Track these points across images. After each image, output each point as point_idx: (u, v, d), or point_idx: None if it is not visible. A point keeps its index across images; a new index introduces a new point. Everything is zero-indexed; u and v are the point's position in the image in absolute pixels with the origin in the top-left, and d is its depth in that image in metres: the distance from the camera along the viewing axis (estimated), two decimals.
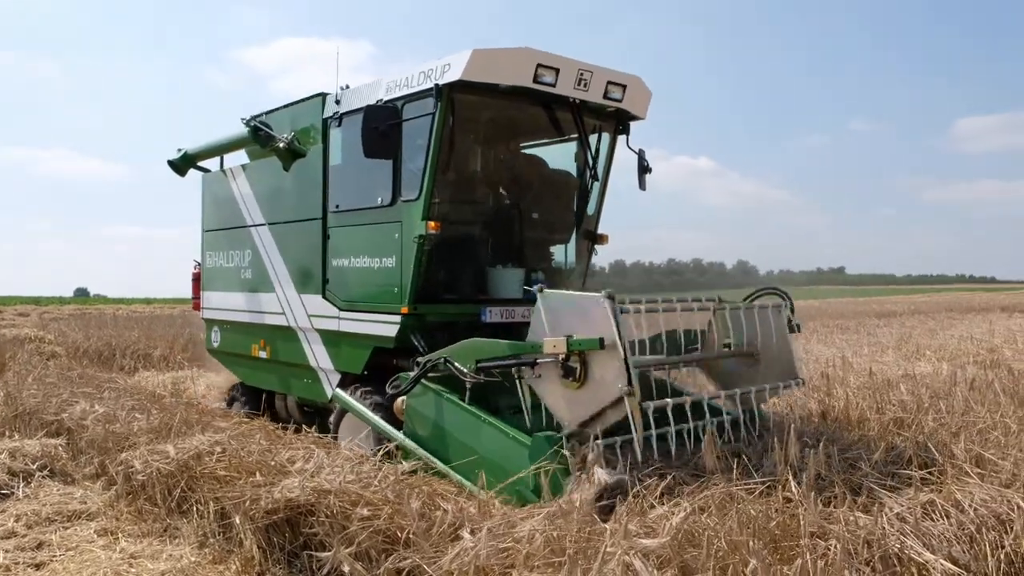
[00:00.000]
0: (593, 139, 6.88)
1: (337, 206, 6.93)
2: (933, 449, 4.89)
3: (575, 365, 4.49)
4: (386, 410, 5.90)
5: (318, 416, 7.57)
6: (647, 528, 3.16)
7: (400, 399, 5.62)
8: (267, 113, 7.74)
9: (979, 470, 4.60)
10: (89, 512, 5.41)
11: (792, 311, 5.90)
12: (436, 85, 5.80)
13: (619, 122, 6.94)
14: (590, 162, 6.90)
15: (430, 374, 5.42)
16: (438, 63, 5.90)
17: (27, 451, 6.06)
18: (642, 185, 7.13)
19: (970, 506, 3.83)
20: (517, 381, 4.92)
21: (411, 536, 3.79)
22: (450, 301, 6.49)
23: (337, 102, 6.89)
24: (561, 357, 4.51)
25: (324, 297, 7.03)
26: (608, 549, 2.98)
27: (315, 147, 7.20)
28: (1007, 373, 8.04)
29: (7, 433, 7.08)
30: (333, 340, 6.99)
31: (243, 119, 7.93)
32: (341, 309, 6.84)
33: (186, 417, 6.56)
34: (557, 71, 6.06)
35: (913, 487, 4.21)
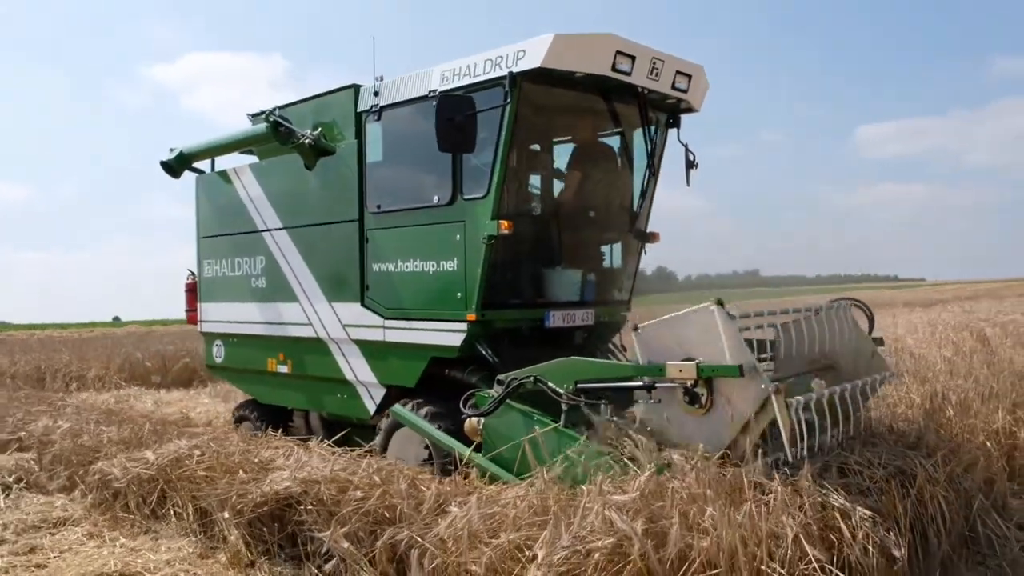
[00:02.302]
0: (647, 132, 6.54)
1: (379, 207, 6.41)
2: None
3: (700, 391, 4.14)
4: (455, 428, 5.44)
5: (342, 431, 6.91)
6: (618, 488, 3.67)
7: (477, 419, 5.15)
8: (282, 107, 7.12)
9: (892, 436, 5.28)
10: (73, 519, 5.64)
11: (872, 324, 5.59)
12: (510, 73, 5.40)
13: (672, 114, 6.61)
14: (647, 156, 6.57)
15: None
16: (508, 50, 5.49)
17: (2, 465, 6.20)
18: (688, 181, 6.80)
19: (879, 464, 4.47)
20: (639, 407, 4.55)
21: (402, 512, 4.20)
22: (514, 306, 6.14)
23: (376, 94, 6.38)
24: (690, 383, 4.15)
25: (363, 305, 6.54)
26: (586, 505, 3.49)
27: (347, 143, 6.69)
28: (909, 357, 8.90)
29: None
30: (377, 352, 6.51)
31: (250, 114, 7.52)
32: (386, 318, 6.37)
33: (154, 428, 6.80)
34: (633, 59, 5.71)
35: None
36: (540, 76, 5.47)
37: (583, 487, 3.80)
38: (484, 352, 5.76)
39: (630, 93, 6.10)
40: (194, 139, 8.24)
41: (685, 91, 6.25)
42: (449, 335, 5.86)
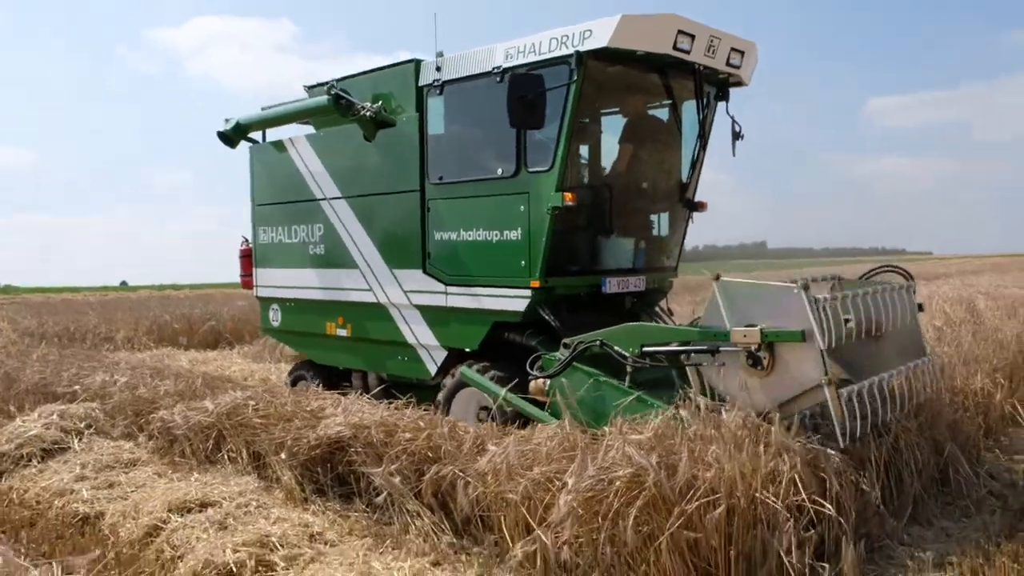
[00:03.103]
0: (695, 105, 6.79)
1: (441, 178, 6.72)
2: None
3: (763, 355, 4.46)
4: (518, 389, 5.75)
5: (396, 392, 7.01)
6: (634, 430, 4.29)
7: (542, 380, 5.47)
8: (339, 80, 7.38)
9: None
10: (141, 460, 6.28)
11: (914, 291, 5.71)
12: (577, 52, 5.68)
13: (720, 87, 6.87)
14: (699, 128, 6.84)
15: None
16: (573, 29, 5.76)
17: (72, 413, 6.90)
18: (734, 151, 7.00)
19: None
20: (690, 368, 4.88)
21: (446, 451, 4.83)
22: (574, 273, 6.47)
23: (438, 69, 6.65)
24: (754, 347, 4.47)
25: (425, 272, 6.90)
26: (608, 443, 4.10)
27: (407, 116, 6.97)
28: None
29: (23, 406, 7.73)
30: (439, 317, 6.88)
31: (307, 86, 7.85)
32: (448, 284, 6.73)
33: (206, 382, 7.45)
34: (693, 37, 6.00)
35: None
36: (604, 54, 5.76)
37: (606, 428, 4.41)
38: (547, 317, 6.12)
39: (685, 68, 6.36)
40: (246, 110, 8.38)
41: (738, 67, 6.59)
42: (513, 300, 6.23)
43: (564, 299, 6.35)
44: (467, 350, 6.71)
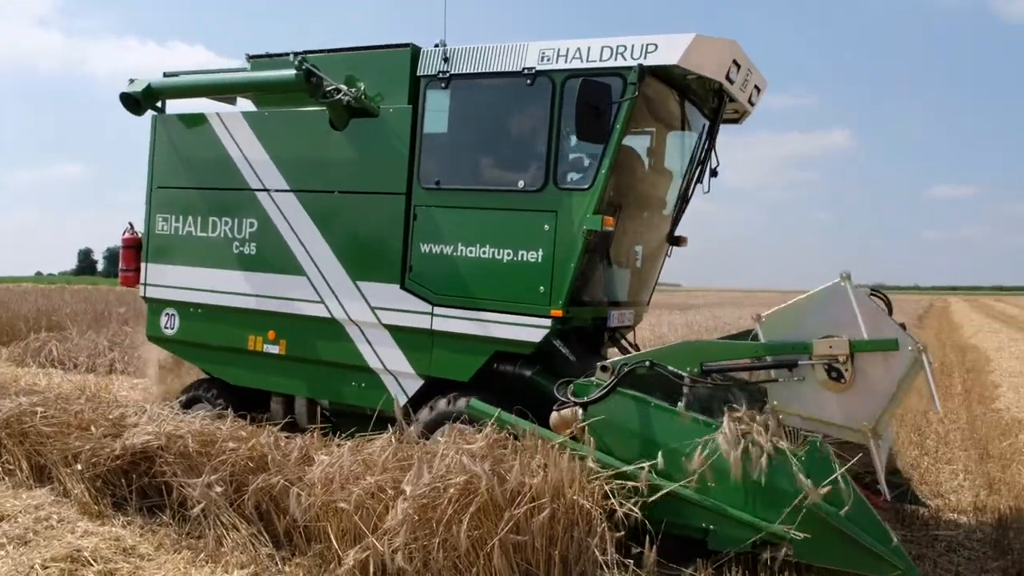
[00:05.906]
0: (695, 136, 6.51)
1: (437, 182, 5.87)
2: None
3: (843, 367, 4.37)
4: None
5: (329, 422, 6.39)
6: (468, 439, 4.56)
7: (570, 411, 4.88)
8: (298, 54, 6.18)
9: None
10: None
11: (890, 310, 5.74)
12: (640, 66, 5.22)
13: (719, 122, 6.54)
14: (699, 161, 6.54)
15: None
16: (633, 40, 5.32)
17: None
18: (708, 187, 6.69)
19: None
20: (768, 385, 4.64)
21: (273, 460, 4.80)
22: (586, 304, 5.86)
23: (445, 59, 5.86)
24: (842, 359, 4.36)
25: (404, 288, 5.97)
26: (443, 452, 4.33)
27: (395, 108, 6.06)
28: None
29: None
30: (419, 340, 5.94)
31: (249, 55, 6.77)
32: (435, 304, 5.85)
33: None
34: (739, 68, 5.74)
35: None
36: (661, 72, 5.41)
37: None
38: (563, 350, 5.56)
39: (704, 99, 6.20)
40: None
41: (754, 104, 6.37)
42: (527, 329, 5.52)
43: (572, 331, 5.87)
44: (457, 381, 5.82)
